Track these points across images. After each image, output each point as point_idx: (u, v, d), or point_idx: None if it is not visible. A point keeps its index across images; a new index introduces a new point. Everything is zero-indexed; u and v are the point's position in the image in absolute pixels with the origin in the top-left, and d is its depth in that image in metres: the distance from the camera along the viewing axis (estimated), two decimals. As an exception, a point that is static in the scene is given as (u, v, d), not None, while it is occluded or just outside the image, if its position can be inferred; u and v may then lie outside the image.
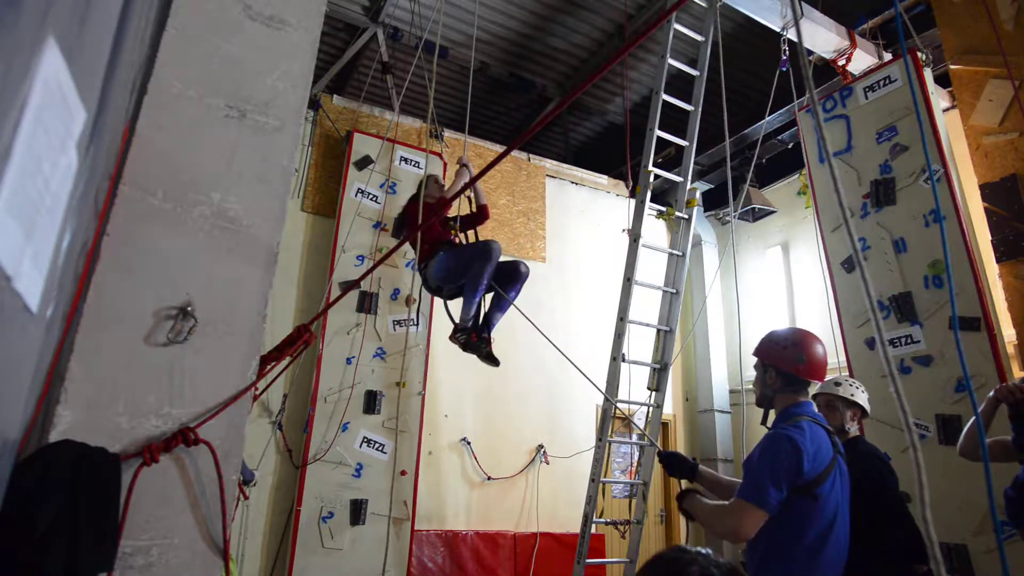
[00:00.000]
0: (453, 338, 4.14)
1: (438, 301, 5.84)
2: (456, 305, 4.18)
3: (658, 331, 4.54)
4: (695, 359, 7.50)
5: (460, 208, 4.71)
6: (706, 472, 2.77)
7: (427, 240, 4.17)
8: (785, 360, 2.40)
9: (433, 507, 5.57)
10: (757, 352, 2.52)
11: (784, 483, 2.16)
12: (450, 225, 4.35)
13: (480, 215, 4.58)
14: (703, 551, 1.14)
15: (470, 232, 4.57)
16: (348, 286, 2.97)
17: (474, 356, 4.15)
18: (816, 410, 2.49)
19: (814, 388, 2.84)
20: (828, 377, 2.70)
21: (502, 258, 4.09)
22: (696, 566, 1.09)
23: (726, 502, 2.32)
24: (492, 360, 4.12)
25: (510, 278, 4.15)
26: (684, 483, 2.74)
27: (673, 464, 2.75)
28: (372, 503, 5.07)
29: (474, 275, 3.91)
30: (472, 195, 4.62)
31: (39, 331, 0.98)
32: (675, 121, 4.97)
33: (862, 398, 3.01)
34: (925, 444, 4.08)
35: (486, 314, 4.21)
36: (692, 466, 2.74)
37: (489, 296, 4.21)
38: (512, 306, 4.10)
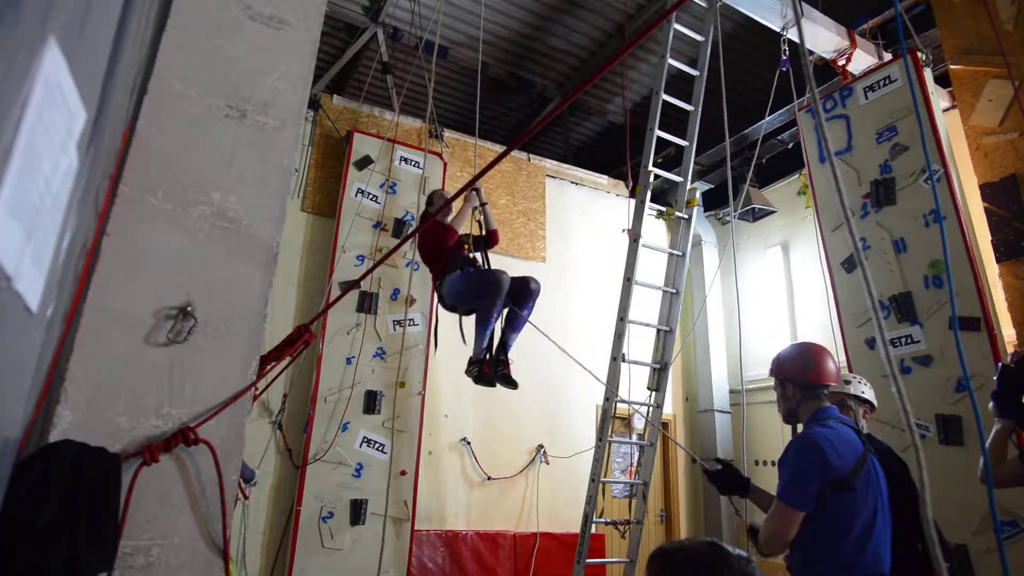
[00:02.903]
0: (468, 372, 4.08)
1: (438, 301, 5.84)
2: (469, 323, 4.10)
3: (658, 331, 4.54)
4: (695, 359, 7.50)
5: (471, 230, 4.66)
6: (757, 488, 2.77)
7: (441, 257, 4.11)
8: (795, 370, 2.56)
9: (433, 507, 5.57)
10: (771, 373, 2.66)
11: (814, 479, 2.25)
12: (463, 239, 4.25)
13: (490, 239, 4.45)
14: (743, 554, 1.09)
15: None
16: (348, 286, 2.97)
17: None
18: (840, 413, 2.57)
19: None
20: None
21: (512, 274, 4.04)
22: (732, 574, 1.05)
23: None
24: (510, 383, 4.01)
25: (521, 296, 4.06)
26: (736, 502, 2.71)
27: (723, 480, 2.75)
28: (372, 503, 5.07)
29: (485, 308, 3.87)
30: (482, 218, 4.55)
31: (39, 331, 0.98)
32: (675, 121, 4.97)
33: (870, 394, 3.03)
34: (925, 444, 4.07)
35: (501, 337, 4.12)
36: (745, 483, 2.75)
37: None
38: (528, 322, 4.04)
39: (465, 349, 5.97)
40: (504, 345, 4.10)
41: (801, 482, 2.26)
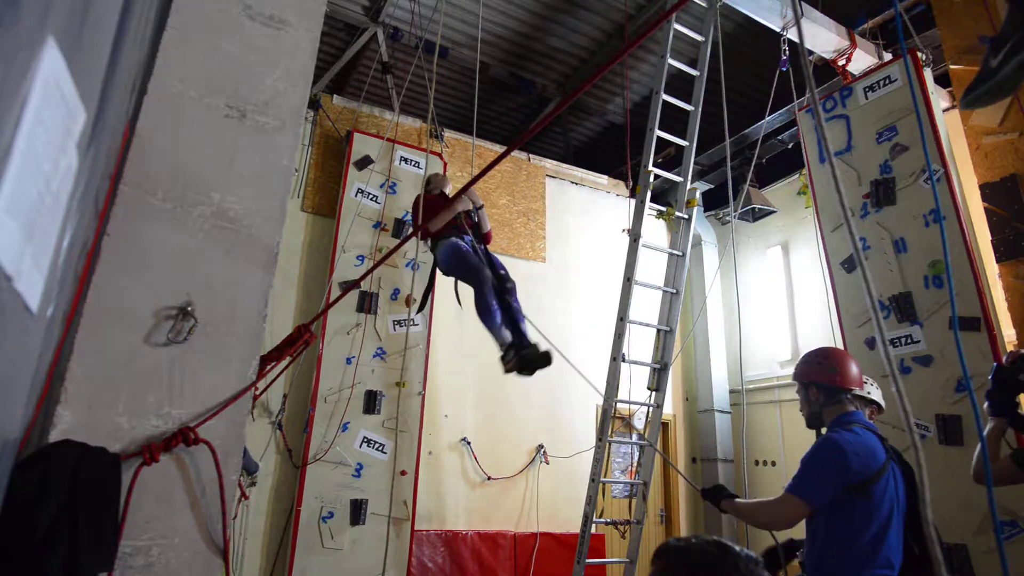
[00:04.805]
0: (505, 366, 4.01)
1: (438, 301, 5.85)
2: (463, 287, 4.24)
3: (658, 331, 4.54)
4: (695, 359, 7.50)
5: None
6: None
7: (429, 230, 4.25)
8: (820, 373, 2.61)
9: (433, 507, 5.57)
10: (795, 376, 2.71)
11: (831, 482, 2.32)
12: (458, 223, 4.32)
13: (483, 241, 4.59)
14: (751, 555, 1.08)
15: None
16: (348, 286, 2.97)
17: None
18: (867, 418, 2.61)
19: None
20: None
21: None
22: (738, 574, 1.05)
23: (769, 498, 2.60)
24: (546, 359, 3.90)
25: (503, 294, 4.13)
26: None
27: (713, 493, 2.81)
28: (372, 503, 5.07)
29: (476, 298, 3.96)
30: (477, 218, 4.58)
31: (39, 331, 0.98)
32: (675, 121, 4.97)
33: (877, 395, 3.02)
34: (925, 444, 4.07)
35: (512, 329, 4.09)
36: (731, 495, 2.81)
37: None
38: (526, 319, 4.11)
39: (466, 348, 6.00)
40: (521, 333, 4.08)
41: (815, 480, 2.35)
